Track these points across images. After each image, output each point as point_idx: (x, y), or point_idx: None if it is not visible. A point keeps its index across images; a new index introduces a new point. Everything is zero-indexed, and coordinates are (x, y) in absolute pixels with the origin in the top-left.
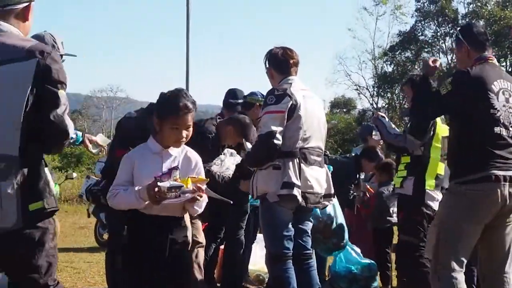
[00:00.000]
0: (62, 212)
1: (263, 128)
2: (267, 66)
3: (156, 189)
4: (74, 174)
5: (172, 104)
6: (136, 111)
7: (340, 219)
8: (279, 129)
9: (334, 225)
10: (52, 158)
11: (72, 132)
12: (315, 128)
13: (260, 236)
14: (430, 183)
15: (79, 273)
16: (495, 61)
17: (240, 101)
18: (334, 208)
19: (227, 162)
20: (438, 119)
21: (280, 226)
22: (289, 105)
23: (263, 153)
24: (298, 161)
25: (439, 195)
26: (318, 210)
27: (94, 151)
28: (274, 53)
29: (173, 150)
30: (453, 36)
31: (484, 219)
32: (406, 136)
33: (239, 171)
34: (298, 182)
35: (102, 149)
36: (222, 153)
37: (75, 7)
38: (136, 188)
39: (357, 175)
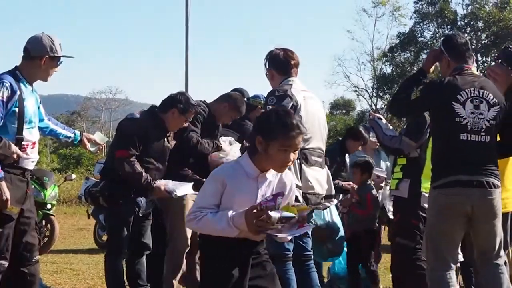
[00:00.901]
0: (61, 214)
1: None
2: (268, 67)
3: (265, 217)
4: (73, 176)
5: (283, 123)
6: (139, 113)
7: (340, 226)
8: None
9: (337, 235)
10: (51, 159)
11: None
12: (315, 129)
13: None
14: (426, 185)
15: (78, 274)
16: (472, 69)
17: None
18: (330, 212)
19: (232, 151)
20: None
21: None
22: (289, 106)
23: None
24: (298, 161)
25: None
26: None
27: (92, 149)
28: (275, 54)
29: (269, 174)
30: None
31: (457, 220)
32: (402, 137)
33: None
34: (298, 183)
35: (100, 147)
36: (221, 142)
37: (75, 9)
38: (230, 214)
39: (344, 159)
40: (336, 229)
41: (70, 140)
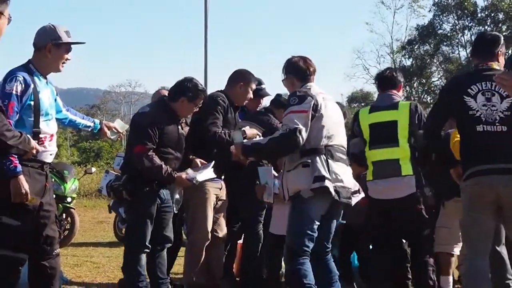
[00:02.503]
0: (81, 207)
1: (289, 123)
2: (287, 75)
3: None
4: (93, 169)
5: None
6: (149, 105)
7: None
8: (303, 127)
9: None
10: (71, 153)
11: None
12: (337, 128)
13: None
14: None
15: (98, 267)
16: (492, 65)
17: (264, 86)
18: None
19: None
20: None
21: (307, 223)
22: (311, 105)
23: (285, 148)
24: (325, 157)
25: None
26: None
27: (112, 137)
28: (295, 61)
29: None
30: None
31: (484, 209)
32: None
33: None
34: (328, 176)
35: (121, 135)
36: (241, 128)
37: (95, 4)
38: None
39: None
40: None
41: (89, 129)
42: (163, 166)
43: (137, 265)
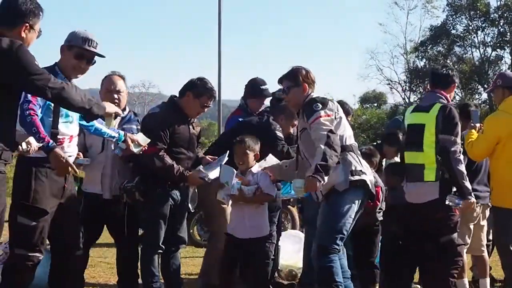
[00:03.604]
0: None
1: (323, 127)
2: (297, 83)
3: None
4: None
5: None
6: (159, 106)
7: None
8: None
9: None
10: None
11: None
12: (349, 128)
13: (292, 232)
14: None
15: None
16: None
17: (267, 86)
18: None
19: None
20: None
21: (340, 219)
22: (333, 109)
23: (336, 150)
24: (353, 153)
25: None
26: None
27: (135, 150)
28: (307, 71)
29: None
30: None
31: None
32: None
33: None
34: (364, 170)
35: (144, 148)
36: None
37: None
38: None
39: (380, 163)
40: None
41: (114, 140)
42: (175, 165)
43: (151, 265)
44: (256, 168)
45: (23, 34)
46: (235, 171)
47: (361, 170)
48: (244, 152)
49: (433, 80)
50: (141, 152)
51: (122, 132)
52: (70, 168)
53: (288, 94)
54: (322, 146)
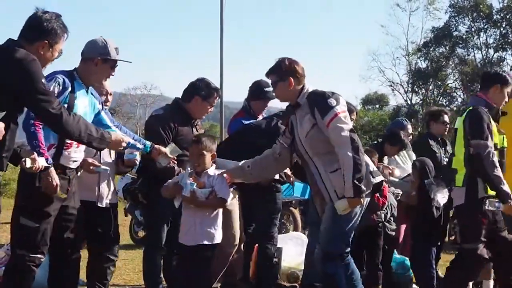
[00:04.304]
0: None
1: (344, 127)
2: (281, 77)
3: None
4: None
5: None
6: (162, 108)
7: None
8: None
9: None
10: None
11: None
12: None
13: (294, 234)
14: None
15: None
16: None
17: (271, 88)
18: None
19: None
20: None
21: (348, 226)
22: (345, 104)
23: (362, 154)
24: (363, 153)
25: None
26: None
27: (163, 163)
28: (290, 62)
29: None
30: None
31: None
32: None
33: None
34: (375, 169)
35: (172, 161)
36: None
37: (109, 5)
38: None
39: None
40: None
41: (139, 151)
42: (175, 167)
43: (153, 266)
44: (212, 170)
45: (41, 51)
46: (190, 170)
47: (376, 171)
48: (200, 153)
49: (480, 82)
50: (167, 165)
51: (148, 143)
52: (54, 190)
53: (275, 90)
54: (350, 154)
